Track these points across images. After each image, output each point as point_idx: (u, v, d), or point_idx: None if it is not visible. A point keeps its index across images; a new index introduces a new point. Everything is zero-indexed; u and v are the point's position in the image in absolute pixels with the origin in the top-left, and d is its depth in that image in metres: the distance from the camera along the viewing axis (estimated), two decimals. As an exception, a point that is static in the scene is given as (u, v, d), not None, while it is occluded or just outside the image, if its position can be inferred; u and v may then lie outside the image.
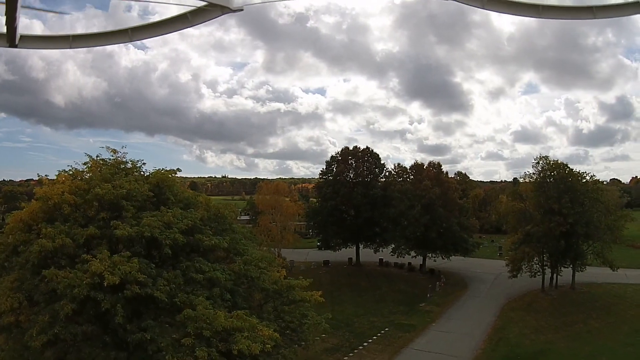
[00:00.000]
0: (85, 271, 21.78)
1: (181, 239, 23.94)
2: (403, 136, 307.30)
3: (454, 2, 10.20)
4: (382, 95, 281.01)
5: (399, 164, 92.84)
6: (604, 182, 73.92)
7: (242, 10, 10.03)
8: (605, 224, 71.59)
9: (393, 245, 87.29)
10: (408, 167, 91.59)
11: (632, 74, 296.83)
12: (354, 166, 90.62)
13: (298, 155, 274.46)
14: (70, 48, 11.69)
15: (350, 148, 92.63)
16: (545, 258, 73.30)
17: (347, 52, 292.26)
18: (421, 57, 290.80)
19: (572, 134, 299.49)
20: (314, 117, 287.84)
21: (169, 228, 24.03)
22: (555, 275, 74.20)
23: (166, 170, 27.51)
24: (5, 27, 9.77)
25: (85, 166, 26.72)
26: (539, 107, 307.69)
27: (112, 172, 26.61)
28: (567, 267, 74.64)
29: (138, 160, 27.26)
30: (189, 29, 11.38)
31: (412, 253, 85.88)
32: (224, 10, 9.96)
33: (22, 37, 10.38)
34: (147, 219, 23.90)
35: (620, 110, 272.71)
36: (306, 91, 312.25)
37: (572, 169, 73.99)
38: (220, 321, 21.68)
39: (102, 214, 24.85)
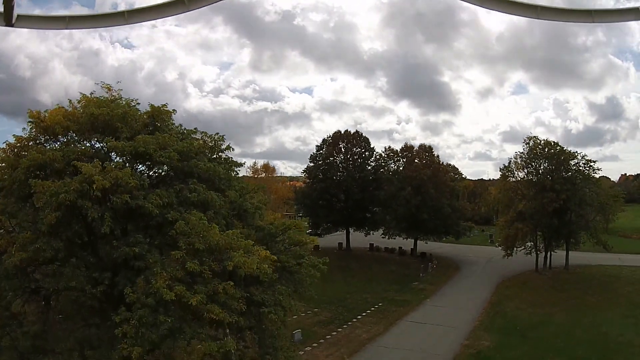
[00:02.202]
0: (75, 175, 20.33)
1: (176, 157, 22.40)
2: (391, 136, 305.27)
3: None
4: (370, 94, 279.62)
5: (389, 147, 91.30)
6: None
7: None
8: (597, 202, 70.93)
9: (383, 228, 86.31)
10: (399, 150, 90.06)
11: (622, 74, 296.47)
12: (344, 150, 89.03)
13: (285, 155, 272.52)
14: (67, 28, 11.52)
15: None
16: (538, 237, 72.44)
17: (334, 51, 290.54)
18: (409, 56, 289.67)
19: (561, 135, 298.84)
20: (301, 117, 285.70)
21: (164, 149, 22.51)
22: (549, 255, 73.35)
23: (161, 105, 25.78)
24: (2, 6, 9.53)
25: (79, 104, 24.80)
26: (527, 108, 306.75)
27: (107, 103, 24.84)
28: (561, 247, 74.31)
29: (132, 100, 25.45)
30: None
31: (404, 235, 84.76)
32: (221, -8, 9.29)
33: (19, 16, 10.07)
34: (142, 137, 22.41)
35: (610, 111, 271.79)
36: (293, 90, 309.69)
37: (563, 147, 73.08)
38: (214, 235, 20.14)
39: (95, 136, 23.21)
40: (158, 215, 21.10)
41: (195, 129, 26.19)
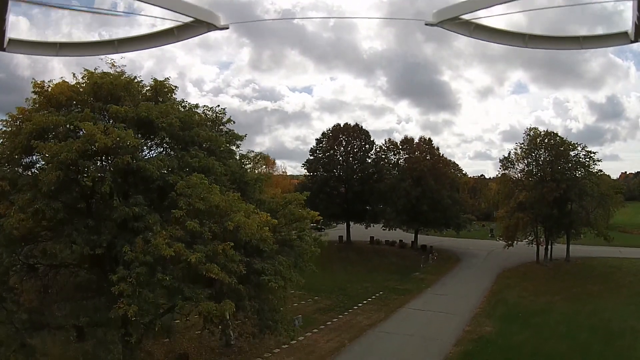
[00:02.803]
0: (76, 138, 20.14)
1: (178, 124, 22.18)
2: (391, 135, 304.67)
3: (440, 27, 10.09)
4: (370, 94, 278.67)
5: (389, 139, 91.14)
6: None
7: (227, 28, 9.65)
8: (598, 192, 70.62)
9: (383, 221, 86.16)
10: (398, 142, 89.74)
11: (622, 73, 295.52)
12: (344, 143, 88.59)
13: (285, 155, 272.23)
14: (57, 55, 11.25)
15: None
16: (539, 228, 72.28)
17: (333, 50, 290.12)
18: (409, 56, 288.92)
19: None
20: (301, 116, 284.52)
21: (166, 116, 22.27)
22: (549, 247, 73.19)
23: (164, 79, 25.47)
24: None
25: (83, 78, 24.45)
26: (527, 107, 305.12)
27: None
28: (562, 240, 74.26)
29: (135, 77, 25.13)
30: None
31: (404, 228, 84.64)
32: (210, 27, 9.72)
33: (11, 40, 10.12)
34: (145, 103, 22.19)
35: (610, 110, 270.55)
36: (293, 90, 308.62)
37: (564, 138, 72.85)
38: (215, 196, 19.87)
39: (99, 104, 22.89)
40: (159, 178, 20.92)
41: (196, 104, 25.88)
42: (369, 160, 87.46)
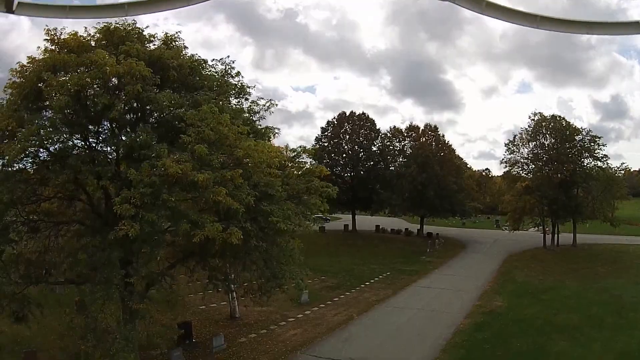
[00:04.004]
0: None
1: (188, 64, 21.92)
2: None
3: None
4: (374, 93, 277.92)
5: (394, 127, 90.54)
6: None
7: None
8: (604, 177, 70.11)
9: (389, 208, 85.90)
10: (404, 129, 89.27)
11: (627, 72, 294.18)
12: (350, 131, 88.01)
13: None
14: (67, 18, 11.89)
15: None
16: (545, 211, 71.89)
17: (337, 49, 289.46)
18: (412, 55, 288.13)
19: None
20: (305, 116, 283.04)
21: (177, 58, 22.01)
22: (556, 231, 72.74)
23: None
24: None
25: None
26: (531, 106, 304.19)
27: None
28: (568, 229, 73.99)
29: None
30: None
31: (410, 214, 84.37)
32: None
33: (20, 3, 10.27)
34: (158, 47, 21.96)
35: (615, 109, 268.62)
36: (296, 89, 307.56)
37: (570, 122, 72.40)
38: (225, 125, 19.44)
39: (110, 48, 22.38)
40: (169, 111, 20.70)
41: (205, 59, 25.35)
42: (374, 148, 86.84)
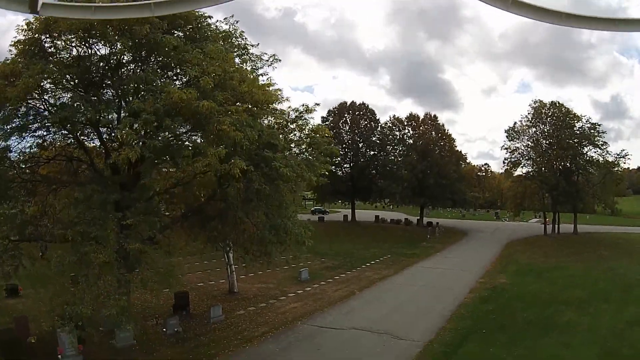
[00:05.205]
0: None
1: (194, 16, 21.80)
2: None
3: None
4: (373, 92, 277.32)
5: (394, 116, 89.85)
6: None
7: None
8: (605, 164, 69.47)
9: (389, 198, 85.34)
10: (404, 119, 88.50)
11: (627, 72, 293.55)
12: (349, 121, 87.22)
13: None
14: (92, 17, 11.87)
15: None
16: (546, 198, 71.41)
17: (336, 49, 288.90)
18: (412, 54, 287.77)
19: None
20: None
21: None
22: (557, 218, 72.20)
23: None
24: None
25: None
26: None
27: None
28: (568, 219, 73.60)
29: None
30: None
31: (410, 203, 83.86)
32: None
33: (44, 4, 9.68)
34: None
35: (615, 109, 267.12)
36: (295, 89, 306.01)
37: (569, 109, 71.78)
38: (231, 63, 18.88)
39: None
40: (176, 54, 20.16)
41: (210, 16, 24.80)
42: (374, 138, 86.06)
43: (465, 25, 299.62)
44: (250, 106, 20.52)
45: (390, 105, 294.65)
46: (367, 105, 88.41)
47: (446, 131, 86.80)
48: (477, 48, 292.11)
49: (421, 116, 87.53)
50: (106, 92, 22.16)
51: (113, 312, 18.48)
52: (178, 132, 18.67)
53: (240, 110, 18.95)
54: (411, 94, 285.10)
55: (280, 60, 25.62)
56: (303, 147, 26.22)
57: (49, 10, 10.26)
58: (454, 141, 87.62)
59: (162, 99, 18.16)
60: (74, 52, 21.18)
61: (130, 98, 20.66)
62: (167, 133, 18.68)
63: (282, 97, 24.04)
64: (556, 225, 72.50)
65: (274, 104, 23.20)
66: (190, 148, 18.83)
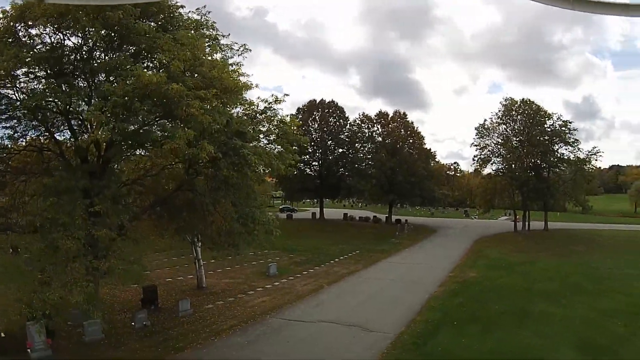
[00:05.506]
0: None
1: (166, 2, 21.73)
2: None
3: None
4: (343, 92, 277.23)
5: (363, 113, 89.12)
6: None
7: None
8: (576, 162, 69.36)
9: (357, 196, 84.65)
10: (373, 116, 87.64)
11: (600, 72, 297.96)
12: (318, 119, 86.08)
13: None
14: (88, 3, 12.94)
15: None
16: (516, 194, 71.17)
17: (306, 49, 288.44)
18: (382, 54, 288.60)
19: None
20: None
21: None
22: (527, 215, 71.89)
23: None
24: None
25: None
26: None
27: None
28: (539, 213, 73.47)
29: None
30: None
31: (378, 202, 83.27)
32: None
33: None
34: None
35: (586, 110, 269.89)
36: (264, 89, 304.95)
37: (540, 106, 71.48)
38: (202, 49, 19.87)
39: None
40: (148, 40, 20.14)
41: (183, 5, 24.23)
42: (342, 136, 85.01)
43: (436, 25, 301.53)
44: (219, 93, 20.14)
45: (360, 105, 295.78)
46: (336, 103, 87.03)
47: (415, 129, 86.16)
48: (448, 48, 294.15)
49: (390, 114, 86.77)
50: (77, 82, 21.77)
51: (80, 299, 18.12)
52: (147, 118, 18.62)
53: (210, 96, 18.84)
54: (381, 93, 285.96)
55: (250, 50, 25.16)
56: (272, 137, 25.74)
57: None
58: (423, 139, 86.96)
59: (132, 82, 17.87)
60: (47, 41, 20.91)
61: (101, 83, 20.38)
62: (137, 117, 18.52)
63: (252, 84, 23.53)
64: (526, 223, 71.92)
65: (243, 92, 23.01)
66: (159, 132, 18.71)
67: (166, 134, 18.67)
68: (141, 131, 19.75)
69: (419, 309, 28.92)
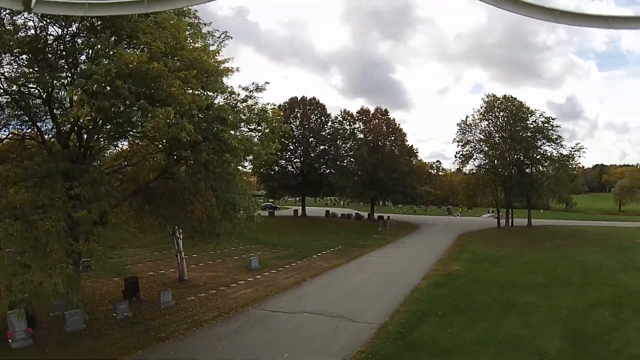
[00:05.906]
0: None
1: None
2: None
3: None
4: (326, 91, 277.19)
5: (345, 109, 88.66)
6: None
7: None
8: (559, 158, 69.08)
9: (339, 194, 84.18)
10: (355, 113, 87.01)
11: (583, 73, 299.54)
12: (300, 116, 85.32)
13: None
14: (85, 15, 12.19)
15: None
16: (499, 190, 70.89)
17: (288, 48, 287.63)
18: (365, 54, 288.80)
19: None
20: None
21: None
22: (510, 212, 71.64)
23: None
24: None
25: None
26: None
27: None
28: (522, 210, 73.37)
29: None
30: None
31: (360, 200, 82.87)
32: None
33: (38, 1, 9.98)
34: None
35: (570, 110, 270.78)
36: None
37: (522, 102, 71.09)
38: (183, 31, 19.92)
39: None
40: (129, 24, 20.28)
41: None
42: (324, 133, 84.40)
43: (419, 25, 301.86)
44: (199, 74, 20.17)
45: (342, 105, 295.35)
46: (318, 100, 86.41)
47: (397, 125, 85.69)
48: (430, 48, 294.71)
49: (372, 111, 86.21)
50: (60, 67, 21.65)
51: (59, 281, 17.96)
52: (129, 98, 18.19)
53: (190, 77, 18.90)
54: (363, 93, 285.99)
55: (232, 38, 24.78)
56: (253, 126, 25.41)
57: (43, 7, 10.46)
58: (405, 136, 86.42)
59: (113, 62, 17.89)
60: (31, 25, 20.75)
61: (83, 66, 20.44)
62: (119, 97, 18.22)
63: (233, 68, 23.32)
64: (510, 219, 71.63)
65: (224, 75, 22.92)
66: (139, 113, 18.43)
67: (148, 114, 18.26)
68: (120, 110, 19.38)
69: (402, 300, 28.46)
